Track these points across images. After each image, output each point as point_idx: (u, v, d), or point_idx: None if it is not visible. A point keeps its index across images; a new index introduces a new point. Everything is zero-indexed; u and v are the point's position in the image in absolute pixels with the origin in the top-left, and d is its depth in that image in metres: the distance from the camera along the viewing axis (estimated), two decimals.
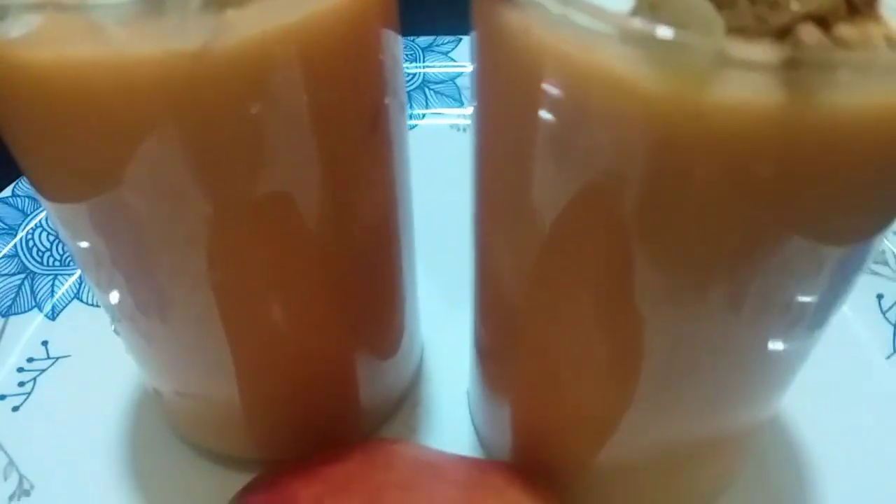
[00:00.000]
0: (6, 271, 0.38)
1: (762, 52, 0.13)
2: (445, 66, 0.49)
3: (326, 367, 0.28)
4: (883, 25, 0.15)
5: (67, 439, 0.32)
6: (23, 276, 0.38)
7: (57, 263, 0.39)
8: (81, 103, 0.18)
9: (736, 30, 0.14)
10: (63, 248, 0.39)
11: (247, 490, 0.25)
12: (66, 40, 0.17)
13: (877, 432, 0.32)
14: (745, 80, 0.14)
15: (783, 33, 0.14)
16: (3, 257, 0.38)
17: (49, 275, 0.38)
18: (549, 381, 0.25)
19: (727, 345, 0.21)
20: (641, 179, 0.16)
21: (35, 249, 0.39)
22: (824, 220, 0.17)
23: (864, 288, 0.37)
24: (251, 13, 0.17)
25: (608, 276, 0.20)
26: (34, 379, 0.34)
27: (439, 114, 0.47)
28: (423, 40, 0.49)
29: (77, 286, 0.38)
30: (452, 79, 0.48)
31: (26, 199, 0.40)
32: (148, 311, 0.25)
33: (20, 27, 0.17)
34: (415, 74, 0.48)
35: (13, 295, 0.37)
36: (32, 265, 0.38)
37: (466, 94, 0.48)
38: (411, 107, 0.46)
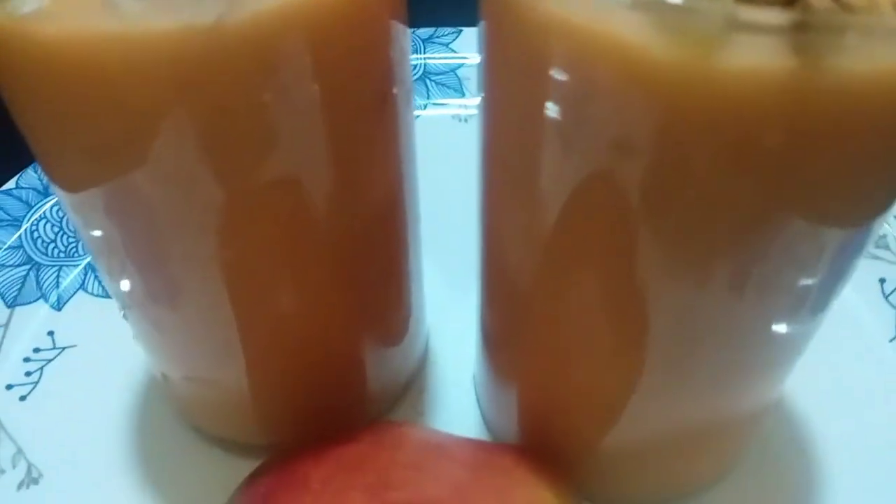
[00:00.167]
0: (11, 262, 0.38)
1: (771, 15, 0.13)
2: (446, 58, 0.49)
3: (334, 352, 0.28)
4: None
5: (75, 427, 0.32)
6: (28, 267, 0.38)
7: (62, 255, 0.39)
8: (94, 79, 0.18)
9: None
10: (67, 240, 0.39)
11: (257, 473, 0.25)
12: (79, 15, 0.17)
13: (880, 415, 0.32)
14: (755, 46, 0.14)
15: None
16: (8, 248, 0.38)
17: (54, 266, 0.38)
18: (555, 363, 0.26)
19: (732, 325, 0.21)
20: (651, 149, 0.17)
21: (40, 241, 0.39)
22: (832, 191, 0.17)
23: (866, 272, 0.37)
24: None
25: (615, 255, 0.20)
26: (41, 369, 0.34)
27: (441, 104, 0.47)
28: (424, 32, 0.50)
29: (82, 277, 0.38)
30: (453, 70, 0.48)
31: (30, 192, 0.40)
32: (158, 296, 0.25)
33: (32, 2, 0.17)
34: (416, 65, 0.48)
35: (19, 286, 0.37)
36: (37, 256, 0.38)
37: (467, 84, 0.48)
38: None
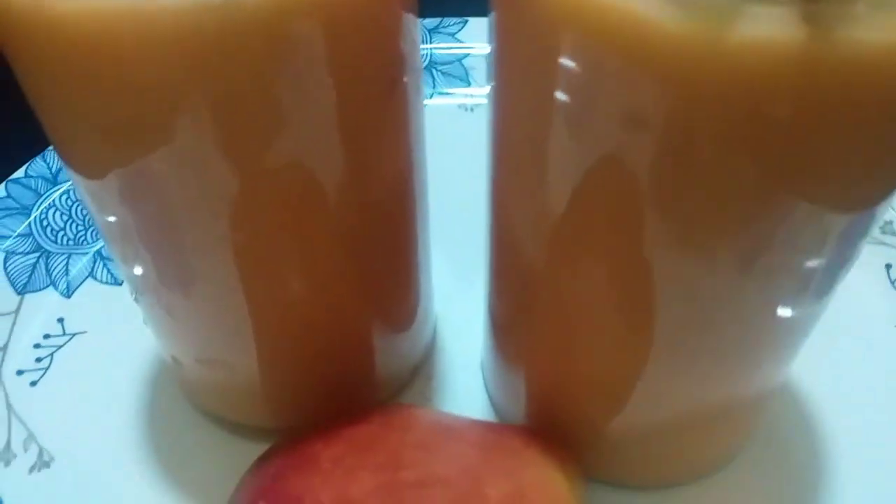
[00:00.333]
0: (21, 250, 0.38)
1: None
2: (452, 47, 0.49)
3: (343, 337, 0.28)
4: None
5: (85, 412, 0.32)
6: (37, 254, 0.38)
7: (71, 242, 0.39)
8: (107, 56, 0.18)
9: None
10: (76, 228, 0.39)
11: (267, 455, 0.26)
12: None
13: (884, 399, 0.32)
14: (766, 17, 0.14)
15: None
16: (17, 237, 0.39)
17: (63, 254, 0.38)
18: (563, 347, 0.26)
19: (741, 306, 0.21)
20: (662, 124, 0.17)
21: (49, 229, 0.39)
22: (842, 165, 0.17)
23: (872, 258, 0.37)
24: None
25: (624, 237, 0.20)
26: (51, 355, 0.35)
27: (447, 94, 0.47)
28: (430, 22, 0.50)
29: (91, 265, 0.38)
30: (459, 59, 0.48)
31: (39, 180, 0.41)
32: (171, 280, 0.25)
33: None
34: (422, 55, 0.48)
35: (29, 273, 0.37)
36: (47, 244, 0.39)
37: (474, 74, 0.48)
38: None
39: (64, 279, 0.38)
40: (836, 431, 0.31)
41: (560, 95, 0.18)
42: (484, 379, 0.33)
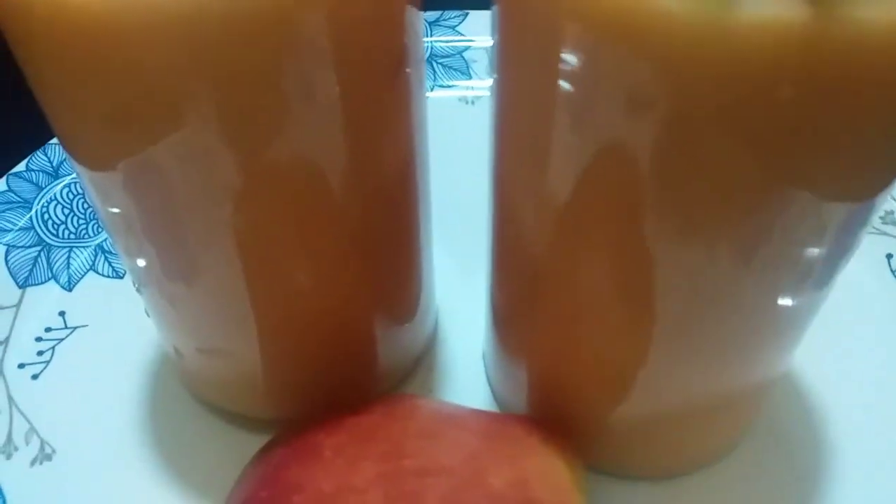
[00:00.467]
0: (22, 244, 0.38)
1: None
2: (453, 40, 0.49)
3: (345, 327, 0.28)
4: None
5: (87, 405, 0.32)
6: (39, 248, 0.38)
7: (72, 236, 0.39)
8: (112, 42, 0.18)
9: None
10: (77, 222, 0.40)
11: (269, 445, 0.26)
12: None
13: (886, 389, 0.32)
14: None
15: None
16: (19, 230, 0.39)
17: (64, 247, 0.38)
18: (566, 337, 0.26)
19: (743, 294, 0.21)
20: (666, 109, 0.17)
21: (50, 222, 0.39)
22: (845, 148, 0.17)
23: (873, 248, 0.37)
24: None
25: (627, 225, 0.20)
26: (53, 348, 0.35)
27: (448, 86, 0.47)
28: (430, 15, 0.50)
29: (92, 258, 0.38)
30: (460, 52, 0.48)
31: (41, 174, 0.41)
32: (173, 270, 0.25)
33: None
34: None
35: (30, 266, 0.37)
36: (48, 238, 0.39)
37: (474, 67, 0.48)
38: None
39: (65, 273, 0.38)
40: (837, 421, 0.31)
41: (564, 84, 0.18)
42: (486, 370, 0.33)
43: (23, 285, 0.37)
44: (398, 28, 0.22)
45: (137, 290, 0.28)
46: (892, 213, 0.38)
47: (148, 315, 0.30)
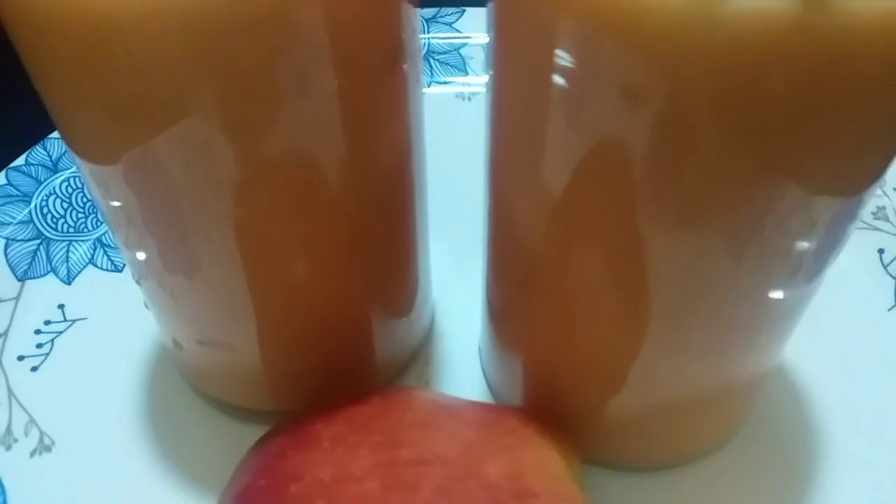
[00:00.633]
0: (22, 237, 0.38)
1: None
2: (450, 37, 0.49)
3: (342, 320, 0.29)
4: None
5: (86, 397, 0.33)
6: (38, 241, 0.38)
7: (71, 230, 0.39)
8: (113, 34, 0.18)
9: None
10: (76, 215, 0.40)
11: (267, 435, 0.26)
12: None
13: (878, 383, 0.32)
14: None
15: None
16: (18, 224, 0.39)
17: (64, 241, 0.39)
18: (560, 330, 0.26)
19: (737, 285, 0.22)
20: (659, 101, 0.17)
21: (49, 216, 0.39)
22: (836, 137, 0.17)
23: (865, 242, 0.37)
24: None
25: (621, 217, 0.20)
26: (52, 340, 0.35)
27: (445, 82, 0.47)
28: (427, 12, 0.50)
29: (91, 252, 0.38)
30: (457, 49, 0.49)
31: (40, 168, 0.41)
32: (172, 262, 0.25)
33: None
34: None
35: (29, 260, 0.38)
36: (47, 231, 0.39)
37: (471, 63, 0.48)
38: None
39: (64, 266, 0.38)
40: (829, 415, 0.31)
41: (557, 78, 0.18)
42: (482, 363, 0.33)
43: (22, 278, 0.37)
44: (394, 24, 0.23)
45: (137, 282, 0.28)
46: (883, 208, 0.38)
47: (147, 308, 0.30)
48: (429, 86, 0.47)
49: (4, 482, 0.30)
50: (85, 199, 0.40)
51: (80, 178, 0.41)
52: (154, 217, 0.23)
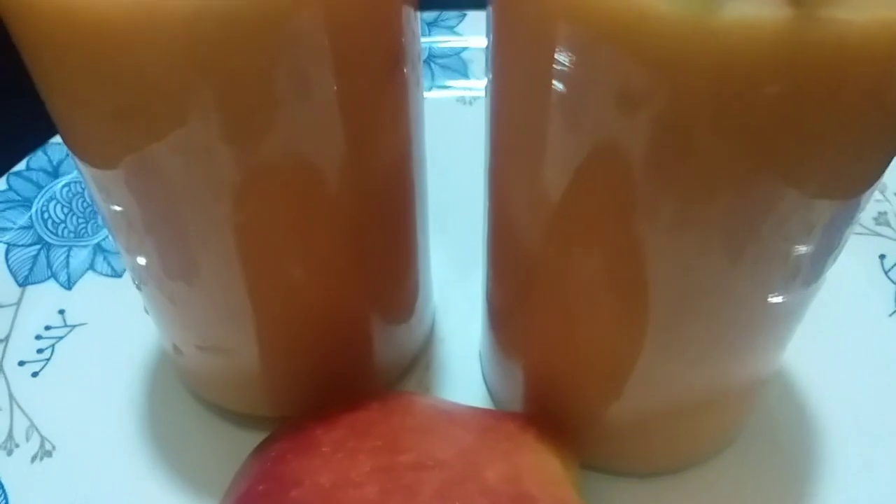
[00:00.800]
0: (22, 242, 0.38)
1: None
2: (451, 41, 0.49)
3: (342, 326, 0.29)
4: None
5: (86, 402, 0.33)
6: (38, 246, 0.38)
7: (71, 235, 0.39)
8: (114, 40, 0.18)
9: None
10: (77, 221, 0.40)
11: (267, 440, 0.26)
12: None
13: (879, 388, 0.32)
14: None
15: None
16: (19, 229, 0.39)
17: (64, 246, 0.39)
18: (561, 335, 0.26)
19: (735, 289, 0.22)
20: (654, 108, 0.17)
21: (50, 221, 0.39)
22: (828, 146, 0.17)
23: (866, 248, 0.37)
24: None
25: (620, 222, 0.21)
26: (52, 346, 0.35)
27: (446, 87, 0.47)
28: (428, 15, 0.50)
29: (91, 257, 0.38)
30: (458, 52, 0.49)
31: (40, 173, 0.41)
32: (172, 267, 0.25)
33: None
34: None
35: (30, 265, 0.38)
36: (48, 237, 0.39)
37: (472, 67, 0.48)
38: None
39: (65, 271, 0.38)
40: (829, 421, 0.31)
41: (556, 83, 0.19)
42: (482, 368, 0.33)
43: (23, 283, 0.37)
44: (395, 27, 0.23)
45: (137, 287, 0.28)
46: (885, 213, 0.38)
47: (147, 313, 0.30)
48: (430, 90, 0.47)
49: (6, 487, 0.30)
50: (85, 205, 0.40)
51: (80, 183, 0.41)
52: (155, 221, 0.24)
